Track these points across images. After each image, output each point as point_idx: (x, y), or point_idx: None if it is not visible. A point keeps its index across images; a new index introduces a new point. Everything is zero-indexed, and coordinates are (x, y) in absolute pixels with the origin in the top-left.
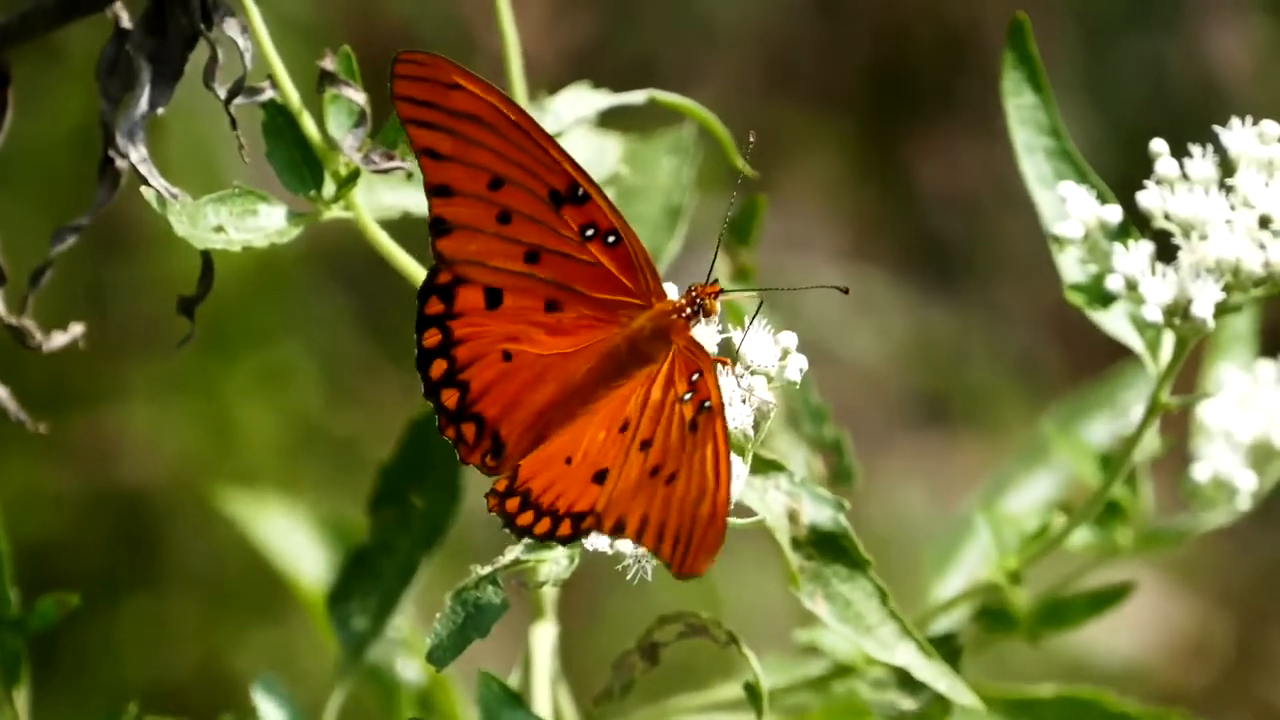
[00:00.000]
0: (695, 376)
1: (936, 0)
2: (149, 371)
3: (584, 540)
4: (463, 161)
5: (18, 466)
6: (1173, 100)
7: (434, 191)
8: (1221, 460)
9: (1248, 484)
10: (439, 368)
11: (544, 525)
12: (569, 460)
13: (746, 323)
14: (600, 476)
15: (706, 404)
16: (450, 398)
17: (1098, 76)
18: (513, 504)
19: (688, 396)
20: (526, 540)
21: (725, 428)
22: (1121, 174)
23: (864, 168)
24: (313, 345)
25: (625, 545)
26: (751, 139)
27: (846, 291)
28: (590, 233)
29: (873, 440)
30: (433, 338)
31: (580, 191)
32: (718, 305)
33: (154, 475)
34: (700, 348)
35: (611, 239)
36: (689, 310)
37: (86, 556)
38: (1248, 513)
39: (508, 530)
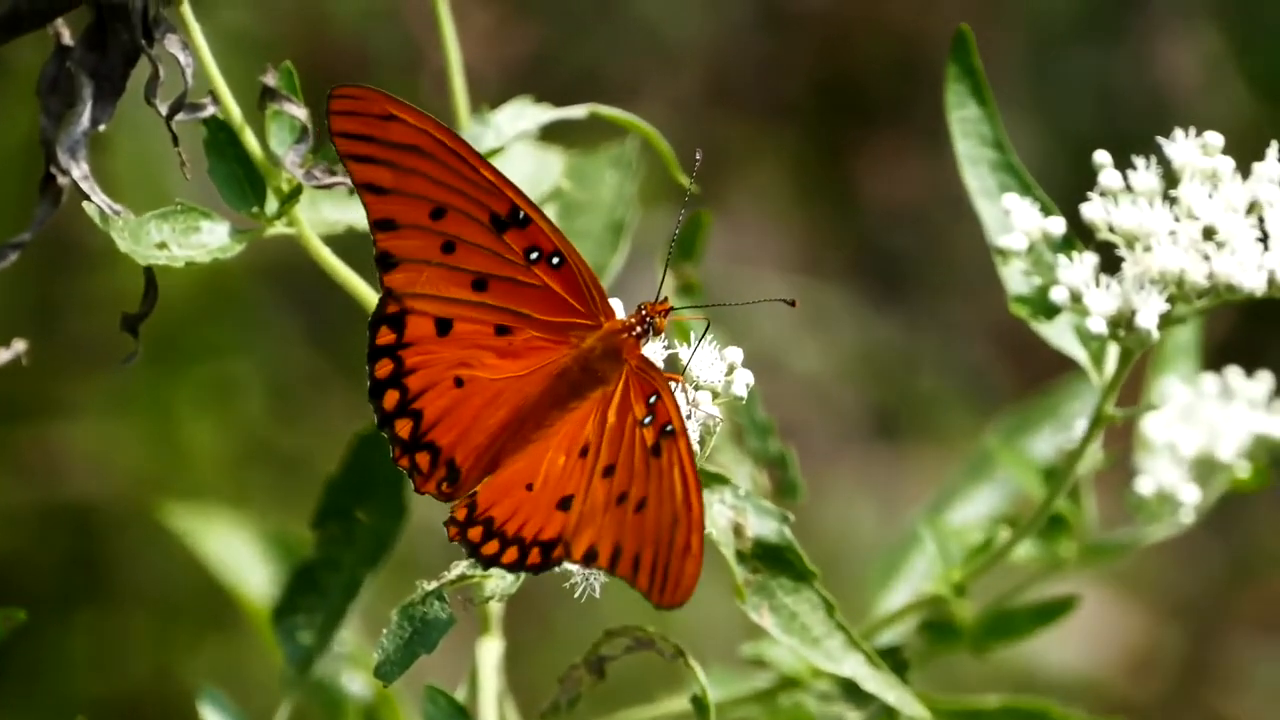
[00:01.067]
0: (653, 399)
1: (884, 13)
2: (98, 387)
3: (556, 568)
4: (404, 193)
5: None
6: (1122, 114)
7: (378, 226)
8: (1165, 474)
9: (1191, 498)
10: (391, 398)
11: (512, 554)
12: (530, 486)
13: (694, 340)
14: (565, 503)
15: (668, 428)
16: (404, 428)
17: (1047, 90)
18: (475, 533)
19: (647, 420)
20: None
21: (690, 450)
22: (1072, 187)
23: (812, 182)
24: (261, 360)
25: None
26: (699, 156)
27: (794, 304)
28: (534, 256)
29: (821, 454)
30: (385, 368)
31: (521, 215)
32: (666, 323)
33: (104, 490)
34: (654, 367)
35: (556, 260)
36: (639, 329)
37: (36, 571)
38: (1194, 525)
39: (474, 560)
